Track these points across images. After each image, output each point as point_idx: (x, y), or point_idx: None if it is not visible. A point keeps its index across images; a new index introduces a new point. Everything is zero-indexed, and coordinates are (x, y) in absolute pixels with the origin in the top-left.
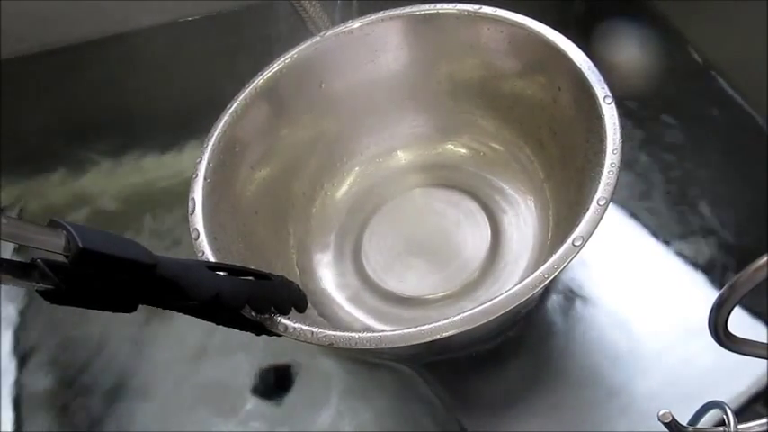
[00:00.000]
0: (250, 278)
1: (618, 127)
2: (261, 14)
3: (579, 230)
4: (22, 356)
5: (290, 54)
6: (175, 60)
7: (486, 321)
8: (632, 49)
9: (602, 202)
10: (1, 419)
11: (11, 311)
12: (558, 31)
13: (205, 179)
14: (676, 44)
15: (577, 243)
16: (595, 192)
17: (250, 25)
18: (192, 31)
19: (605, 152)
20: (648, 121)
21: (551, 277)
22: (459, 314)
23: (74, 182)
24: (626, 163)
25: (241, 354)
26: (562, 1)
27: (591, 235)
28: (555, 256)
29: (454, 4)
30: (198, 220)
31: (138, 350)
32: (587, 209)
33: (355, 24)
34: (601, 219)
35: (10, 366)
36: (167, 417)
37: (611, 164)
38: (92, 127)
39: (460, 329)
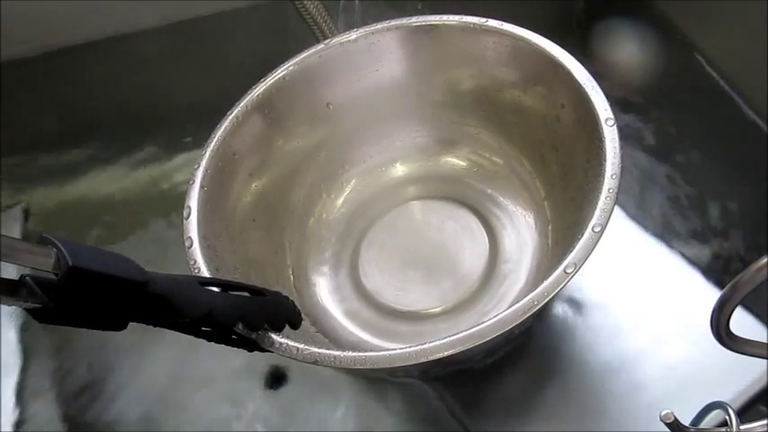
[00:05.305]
0: (244, 293)
1: (618, 151)
2: (262, 15)
3: (572, 257)
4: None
5: (293, 61)
6: (176, 62)
7: (473, 346)
8: (632, 49)
9: (597, 229)
10: (1, 419)
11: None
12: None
13: (202, 186)
14: (677, 44)
15: (569, 270)
16: (591, 217)
17: (251, 26)
18: (192, 33)
19: (604, 176)
20: (648, 120)
21: (541, 305)
22: (446, 337)
23: (74, 183)
24: (626, 164)
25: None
26: (562, 1)
27: (584, 262)
28: (546, 283)
29: (459, 16)
30: (192, 228)
31: (134, 344)
32: (582, 234)
33: (359, 33)
34: (595, 245)
35: (10, 362)
36: (166, 413)
37: (608, 189)
38: (92, 128)
39: (446, 353)
